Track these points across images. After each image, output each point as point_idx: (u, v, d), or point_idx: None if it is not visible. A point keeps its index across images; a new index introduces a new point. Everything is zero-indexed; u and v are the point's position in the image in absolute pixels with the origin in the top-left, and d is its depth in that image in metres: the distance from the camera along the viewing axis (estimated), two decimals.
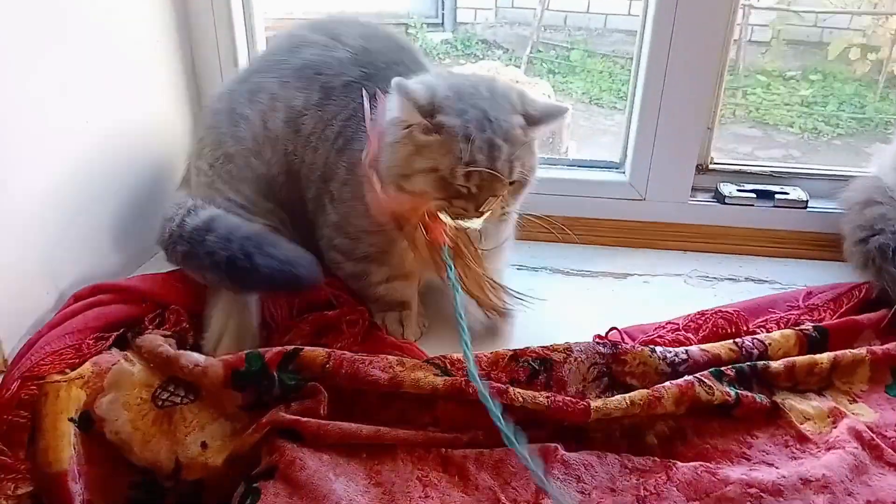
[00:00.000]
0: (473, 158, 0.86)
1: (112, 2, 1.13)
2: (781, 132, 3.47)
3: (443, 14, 3.94)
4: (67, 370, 0.92)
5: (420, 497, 0.82)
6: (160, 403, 0.92)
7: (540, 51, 3.92)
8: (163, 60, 1.27)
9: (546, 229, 0.99)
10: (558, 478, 0.83)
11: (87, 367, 0.93)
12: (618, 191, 1.27)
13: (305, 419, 0.87)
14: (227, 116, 1.09)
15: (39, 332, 0.96)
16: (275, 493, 0.81)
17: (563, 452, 0.85)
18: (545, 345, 0.94)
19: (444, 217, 0.90)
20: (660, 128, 1.21)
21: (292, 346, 0.92)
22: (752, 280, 1.18)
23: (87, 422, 0.89)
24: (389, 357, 0.93)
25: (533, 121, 0.91)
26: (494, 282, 1.01)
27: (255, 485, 0.83)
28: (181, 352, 0.94)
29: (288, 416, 0.87)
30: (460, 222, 0.90)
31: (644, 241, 1.27)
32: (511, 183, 0.90)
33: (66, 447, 0.85)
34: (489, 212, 0.90)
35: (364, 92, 0.99)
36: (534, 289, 1.16)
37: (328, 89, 1.05)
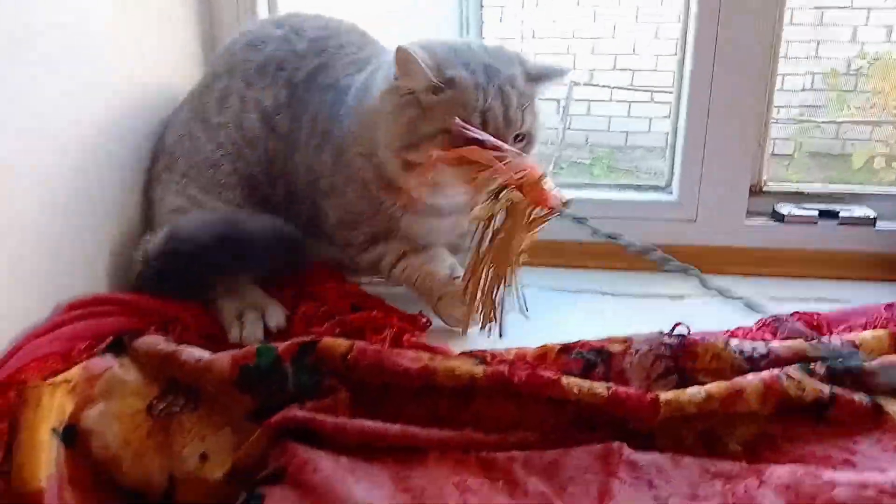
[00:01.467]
0: (488, 106, 0.85)
1: None
2: None
3: None
4: (52, 377, 0.80)
5: (457, 503, 0.67)
6: (157, 413, 0.81)
7: (563, 167, 3.95)
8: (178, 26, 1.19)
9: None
10: (625, 481, 0.68)
11: (75, 372, 0.81)
12: (666, 212, 1.17)
13: (321, 417, 0.74)
14: (201, 125, 1.05)
15: (26, 338, 0.85)
16: (281, 498, 0.68)
17: (630, 452, 0.71)
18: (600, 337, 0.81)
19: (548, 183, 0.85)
20: (708, 142, 1.13)
21: (309, 338, 0.80)
22: (825, 300, 1.05)
23: (72, 436, 0.77)
24: (419, 351, 0.81)
25: (532, 77, 0.90)
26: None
27: (258, 490, 0.69)
28: (182, 346, 0.83)
29: (301, 414, 0.74)
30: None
31: (697, 265, 1.15)
32: (520, 139, 0.89)
33: (46, 463, 0.72)
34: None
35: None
36: (578, 309, 1.05)
37: (292, 85, 1.04)
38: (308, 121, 1.02)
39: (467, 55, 0.88)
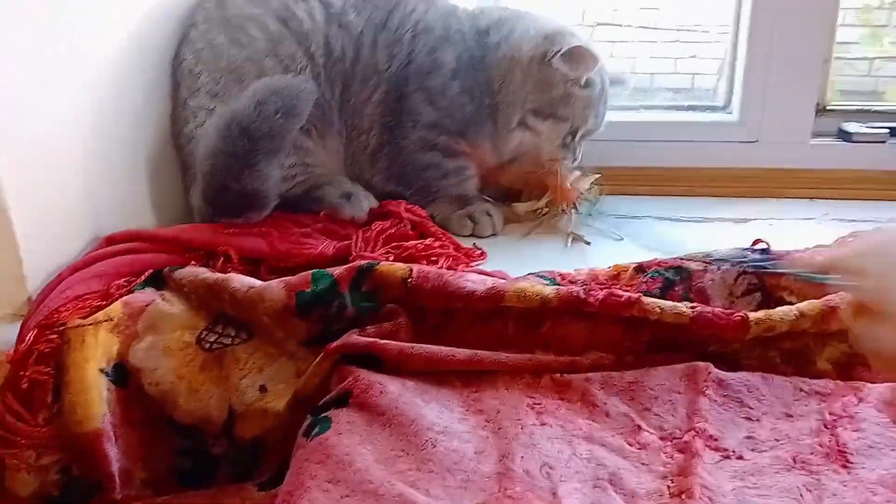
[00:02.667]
0: (600, 111, 1.02)
1: None
2: None
3: None
4: (92, 314, 0.76)
5: (535, 424, 0.63)
6: (208, 346, 0.76)
7: None
8: None
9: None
10: (714, 400, 0.64)
11: (116, 308, 0.76)
12: (727, 133, 1.11)
13: (384, 341, 0.70)
14: (221, 28, 0.95)
15: (60, 276, 0.79)
16: (349, 422, 0.64)
17: (717, 371, 0.66)
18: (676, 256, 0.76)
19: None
20: (772, 59, 1.07)
21: (366, 262, 0.76)
22: None
23: (123, 374, 0.73)
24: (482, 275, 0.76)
25: None
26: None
27: (324, 414, 0.65)
28: (230, 274, 0.79)
29: (363, 339, 0.70)
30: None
31: (760, 189, 1.10)
32: None
33: (98, 402, 0.68)
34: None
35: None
36: (633, 232, 1.01)
37: None
38: (411, 25, 1.00)
39: None
